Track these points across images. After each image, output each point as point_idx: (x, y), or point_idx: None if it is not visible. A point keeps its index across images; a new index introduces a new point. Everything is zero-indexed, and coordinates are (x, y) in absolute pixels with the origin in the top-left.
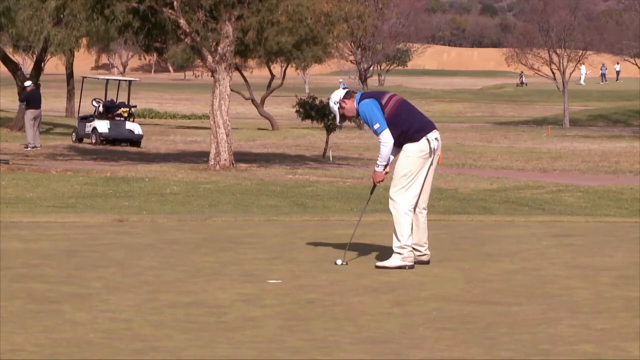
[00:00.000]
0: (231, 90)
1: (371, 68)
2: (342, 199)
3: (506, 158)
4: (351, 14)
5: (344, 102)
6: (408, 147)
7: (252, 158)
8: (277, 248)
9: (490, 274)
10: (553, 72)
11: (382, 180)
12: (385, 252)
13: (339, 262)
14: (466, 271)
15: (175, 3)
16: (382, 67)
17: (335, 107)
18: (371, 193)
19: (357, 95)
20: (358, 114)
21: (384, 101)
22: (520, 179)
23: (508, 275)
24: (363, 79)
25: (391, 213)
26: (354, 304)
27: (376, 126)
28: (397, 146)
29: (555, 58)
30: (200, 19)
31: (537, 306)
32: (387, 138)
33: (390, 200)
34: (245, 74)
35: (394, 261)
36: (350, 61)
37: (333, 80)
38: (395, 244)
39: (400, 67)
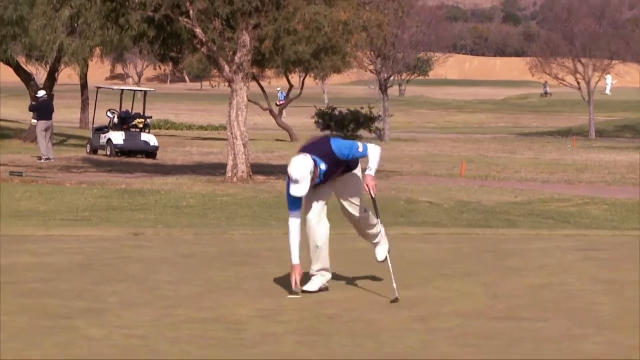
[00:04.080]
0: (248, 100)
1: (391, 78)
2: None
3: (530, 170)
4: (370, 23)
5: (316, 167)
6: (357, 171)
7: (270, 170)
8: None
9: (514, 288)
10: (578, 82)
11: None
12: (408, 266)
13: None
14: (489, 286)
15: (191, 12)
16: (403, 77)
17: (309, 177)
18: (375, 205)
19: (312, 157)
20: (324, 166)
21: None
22: (545, 191)
23: (533, 290)
24: (383, 89)
25: (375, 228)
26: (374, 319)
27: (360, 148)
28: (340, 174)
29: (580, 67)
30: (217, 28)
31: (563, 322)
32: (374, 146)
33: (371, 219)
34: (263, 84)
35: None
36: (370, 71)
37: (353, 90)
38: (385, 247)
39: (421, 77)
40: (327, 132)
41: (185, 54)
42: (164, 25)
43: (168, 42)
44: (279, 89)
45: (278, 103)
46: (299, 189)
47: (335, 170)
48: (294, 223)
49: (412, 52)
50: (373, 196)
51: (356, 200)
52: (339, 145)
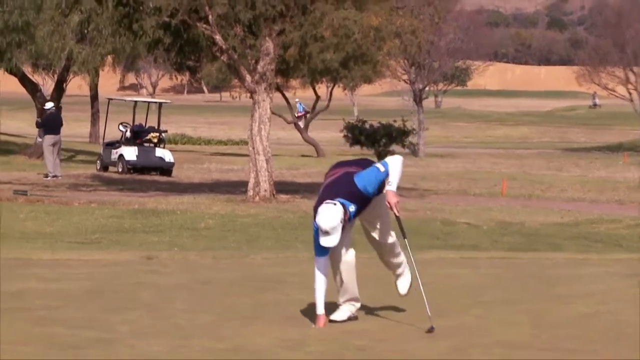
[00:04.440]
0: (272, 113)
1: (427, 88)
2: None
3: (578, 188)
4: (404, 29)
5: (346, 213)
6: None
7: (295, 188)
8: None
9: (560, 317)
10: (629, 93)
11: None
12: (445, 293)
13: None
14: (534, 314)
15: (210, 17)
16: (439, 87)
17: (340, 227)
18: (400, 224)
19: (340, 201)
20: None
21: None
22: (593, 212)
23: (581, 319)
24: (418, 100)
25: (398, 258)
26: (408, 351)
27: (382, 169)
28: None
29: (632, 77)
30: (238, 35)
31: (614, 353)
32: (394, 158)
33: (396, 246)
34: (288, 95)
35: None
36: (404, 81)
37: (384, 102)
38: (408, 279)
39: (459, 87)
40: (350, 170)
41: (203, 62)
42: (180, 31)
43: (185, 49)
44: (297, 99)
45: (297, 115)
46: (330, 241)
47: (366, 205)
48: (321, 266)
49: (449, 60)
50: (397, 214)
51: (380, 223)
52: (364, 183)
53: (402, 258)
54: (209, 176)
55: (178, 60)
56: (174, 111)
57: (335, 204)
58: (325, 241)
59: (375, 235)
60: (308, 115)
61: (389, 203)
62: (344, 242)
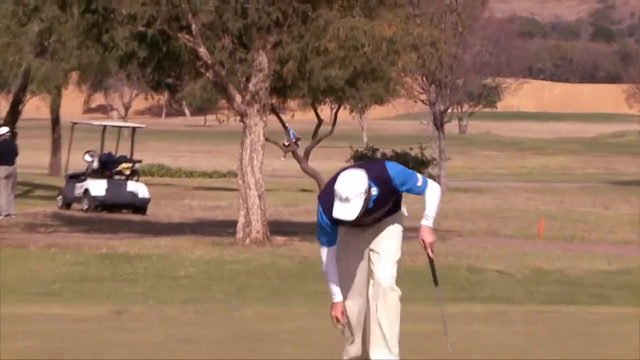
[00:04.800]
0: (266, 139)
1: (449, 110)
2: (413, 283)
3: (628, 229)
4: (422, 40)
5: (370, 190)
6: (398, 218)
7: (293, 229)
8: (326, 348)
9: None
10: None
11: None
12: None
13: None
14: None
15: (193, 26)
16: (464, 109)
17: (362, 198)
18: (433, 269)
19: (364, 174)
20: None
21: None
22: None
23: None
24: (438, 124)
25: (390, 303)
26: None
27: (419, 182)
28: (381, 215)
29: None
30: (226, 47)
31: None
32: (434, 185)
33: (391, 283)
34: (285, 118)
35: None
36: (422, 101)
37: (399, 126)
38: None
39: (487, 109)
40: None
41: (185, 80)
42: (158, 43)
43: (164, 64)
44: (288, 125)
45: (285, 144)
46: (348, 211)
47: (385, 204)
48: (326, 258)
49: (475, 77)
50: (431, 257)
51: (388, 256)
52: (397, 170)
53: (397, 316)
54: (191, 214)
55: (155, 77)
56: (150, 137)
57: (361, 170)
58: (341, 211)
59: (374, 265)
60: (299, 142)
61: (422, 242)
62: (362, 267)
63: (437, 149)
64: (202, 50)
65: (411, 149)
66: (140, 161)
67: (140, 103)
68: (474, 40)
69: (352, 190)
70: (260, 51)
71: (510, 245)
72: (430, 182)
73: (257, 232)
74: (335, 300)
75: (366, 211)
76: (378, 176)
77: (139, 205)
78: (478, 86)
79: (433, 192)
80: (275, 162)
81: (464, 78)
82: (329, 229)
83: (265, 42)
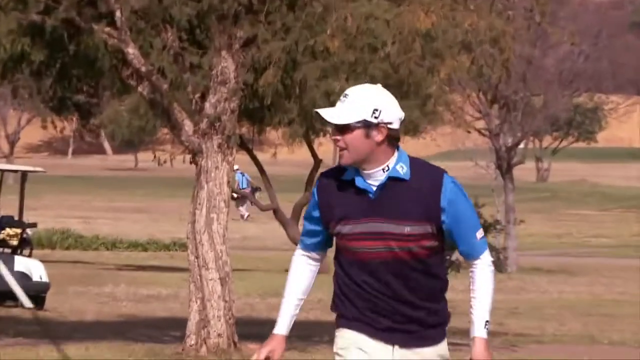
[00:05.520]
0: (233, 192)
1: (521, 146)
2: None
3: None
4: (478, 35)
5: (383, 126)
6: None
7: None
8: None
9: None
10: None
11: None
12: None
13: None
14: None
15: (117, 13)
16: (545, 144)
17: (361, 112)
18: None
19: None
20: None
21: None
22: None
23: None
24: (504, 167)
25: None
26: None
27: (479, 234)
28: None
29: None
30: (170, 46)
31: None
32: (489, 265)
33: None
34: (262, 157)
35: None
36: (479, 131)
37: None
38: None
39: (581, 144)
40: None
41: (105, 97)
42: (63, 40)
43: (71, 73)
44: (237, 167)
45: (236, 195)
46: (335, 110)
47: (406, 218)
48: (297, 258)
49: (562, 93)
50: None
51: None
52: (456, 188)
53: None
54: (115, 309)
55: (58, 93)
56: (51, 187)
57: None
58: (328, 110)
59: None
60: (258, 193)
61: None
62: None
63: (502, 207)
64: (131, 50)
65: None
66: (35, 225)
67: (34, 133)
68: (560, 36)
69: (360, 93)
70: (223, 53)
71: (617, 356)
72: (487, 254)
73: (219, 335)
74: (274, 331)
75: (368, 193)
76: (422, 166)
77: (32, 295)
78: (567, 108)
79: (487, 276)
80: (249, 226)
81: (544, 95)
82: (311, 221)
83: (231, 38)
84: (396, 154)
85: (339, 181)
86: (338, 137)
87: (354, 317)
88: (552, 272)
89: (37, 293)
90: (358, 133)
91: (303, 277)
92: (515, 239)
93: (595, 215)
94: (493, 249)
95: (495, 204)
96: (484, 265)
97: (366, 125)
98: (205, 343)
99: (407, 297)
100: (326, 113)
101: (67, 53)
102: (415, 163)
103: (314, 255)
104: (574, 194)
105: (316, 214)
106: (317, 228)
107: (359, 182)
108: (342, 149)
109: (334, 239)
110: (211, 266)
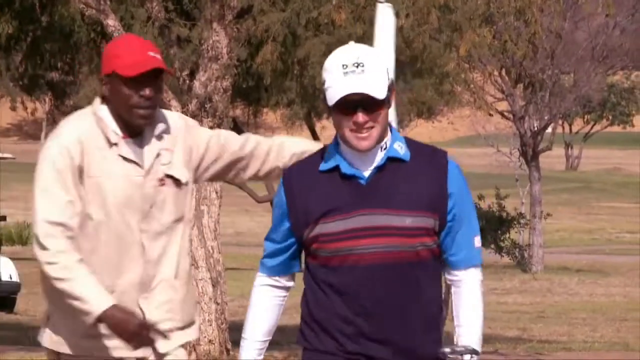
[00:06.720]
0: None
1: (549, 130)
2: None
3: None
4: (501, 5)
5: (394, 88)
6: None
7: (274, 338)
8: None
9: None
10: None
11: None
12: None
13: None
14: None
15: None
16: (575, 129)
17: (384, 75)
18: None
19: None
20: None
21: None
22: None
23: None
24: (530, 154)
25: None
26: None
27: (477, 238)
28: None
29: None
30: (155, 18)
31: None
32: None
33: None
34: None
35: None
36: (501, 114)
37: (461, 158)
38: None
39: (616, 128)
40: None
41: (81, 75)
42: (34, 10)
43: (43, 48)
44: None
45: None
46: (362, 81)
47: (406, 206)
48: (260, 285)
49: (595, 71)
50: None
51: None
52: (460, 177)
53: None
54: None
55: (28, 70)
56: (21, 176)
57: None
58: (349, 82)
59: None
60: None
61: None
62: None
63: (526, 198)
64: (111, 22)
65: (481, 197)
66: (4, 218)
67: (2, 115)
68: (593, 7)
69: (373, 57)
70: (215, 25)
71: None
72: (480, 268)
73: (210, 342)
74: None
75: (358, 179)
76: (421, 146)
77: (1, 296)
78: (600, 88)
79: (479, 293)
80: (244, 219)
81: (574, 73)
82: (277, 237)
83: (224, 8)
84: (389, 130)
85: (313, 173)
86: (366, 117)
87: (329, 352)
88: (582, 272)
89: (7, 294)
90: (386, 105)
91: (267, 314)
92: (541, 235)
93: (631, 208)
94: (517, 246)
95: (519, 196)
96: (475, 280)
97: (390, 91)
98: (194, 350)
99: (410, 318)
100: (354, 87)
101: (39, 25)
102: (411, 142)
103: (281, 281)
104: (608, 185)
105: (285, 224)
106: (284, 244)
107: (344, 167)
108: (368, 129)
109: (303, 255)
110: (201, 265)
